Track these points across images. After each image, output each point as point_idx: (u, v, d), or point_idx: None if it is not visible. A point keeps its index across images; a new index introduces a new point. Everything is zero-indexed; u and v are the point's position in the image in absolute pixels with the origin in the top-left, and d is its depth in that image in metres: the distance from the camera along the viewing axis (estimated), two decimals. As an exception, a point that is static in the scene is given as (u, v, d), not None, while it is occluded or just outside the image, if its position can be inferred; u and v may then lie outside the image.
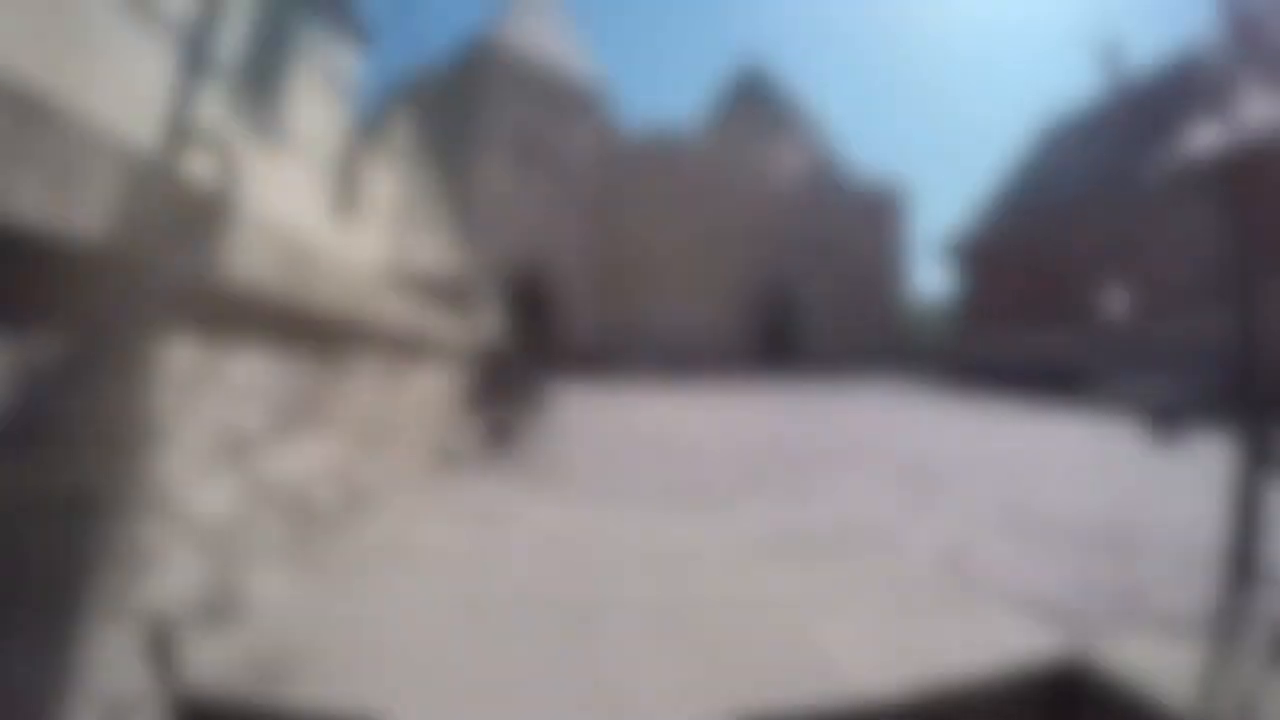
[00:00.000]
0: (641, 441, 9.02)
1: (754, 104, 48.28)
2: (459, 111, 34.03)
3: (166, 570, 2.00)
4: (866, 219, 43.60)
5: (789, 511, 5.21)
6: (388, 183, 4.27)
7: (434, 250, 7.19)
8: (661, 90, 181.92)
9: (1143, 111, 30.08)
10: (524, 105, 33.74)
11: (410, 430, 5.01)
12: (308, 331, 2.80)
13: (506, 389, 6.66)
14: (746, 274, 39.78)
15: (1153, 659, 2.75)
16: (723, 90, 50.92)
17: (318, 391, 3.06)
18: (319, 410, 3.11)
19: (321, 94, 7.39)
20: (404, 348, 4.37)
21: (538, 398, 9.12)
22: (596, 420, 11.16)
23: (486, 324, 12.24)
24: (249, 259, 2.03)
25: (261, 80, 6.51)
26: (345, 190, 9.08)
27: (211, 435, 2.21)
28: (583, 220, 35.58)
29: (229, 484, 2.35)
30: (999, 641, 2.84)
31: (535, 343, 35.39)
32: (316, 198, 7.14)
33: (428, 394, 5.59)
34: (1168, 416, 11.93)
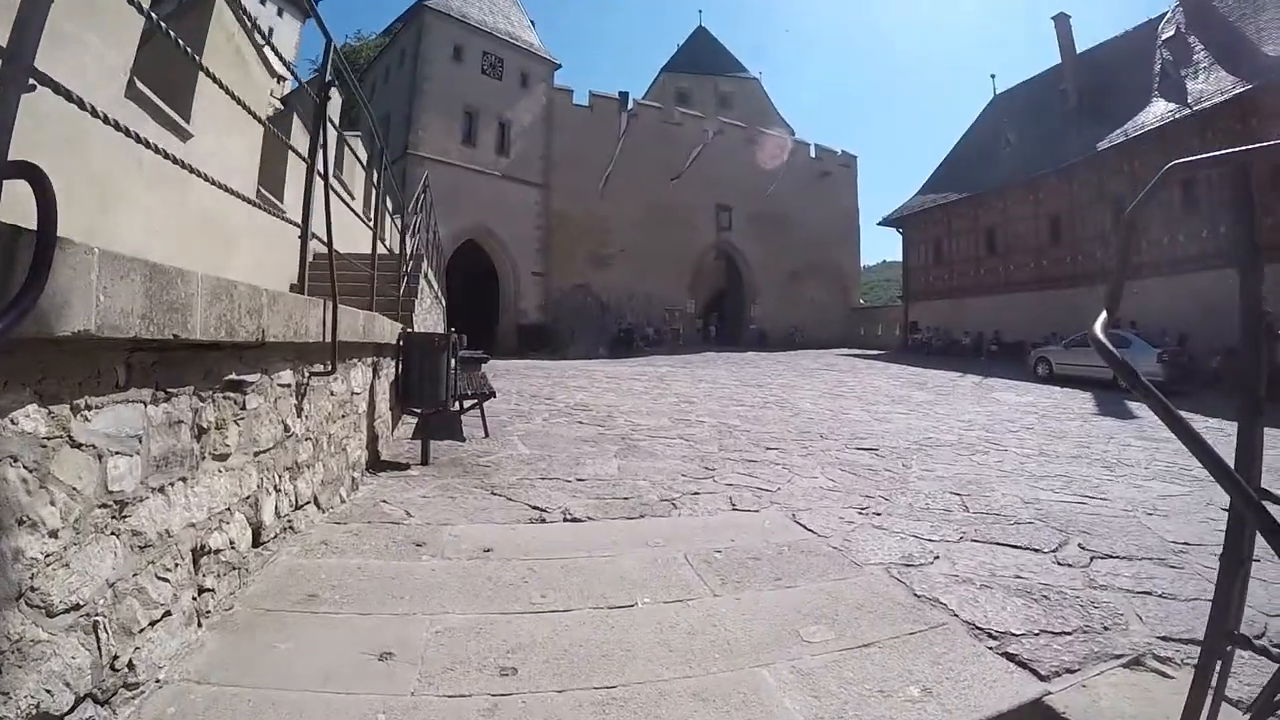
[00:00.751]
0: (588, 433, 8.86)
1: (701, 70, 48.06)
2: (399, 78, 33.27)
3: (45, 661, 1.76)
4: (822, 187, 43.66)
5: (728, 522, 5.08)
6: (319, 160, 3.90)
7: (372, 230, 6.78)
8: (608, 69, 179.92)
9: (1089, 86, 30.58)
10: (467, 71, 32.97)
11: (334, 441, 4.64)
12: (187, 361, 2.47)
13: (443, 379, 6.30)
14: (699, 243, 39.64)
15: (1124, 704, 2.61)
16: (673, 59, 50.63)
17: (211, 423, 2.72)
18: (214, 444, 2.77)
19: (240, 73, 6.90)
20: (321, 352, 4.00)
21: (479, 386, 8.80)
22: (543, 409, 10.99)
23: (427, 306, 11.87)
24: (90, 296, 1.72)
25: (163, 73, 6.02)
26: (270, 172, 8.60)
27: (80, 501, 1.91)
28: (531, 190, 34.90)
29: (109, 550, 2.05)
30: (962, 684, 2.67)
31: (480, 320, 35.07)
32: (240, 183, 6.67)
33: (355, 398, 5.22)
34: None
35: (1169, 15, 28.72)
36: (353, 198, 9.44)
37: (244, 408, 3.01)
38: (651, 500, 5.45)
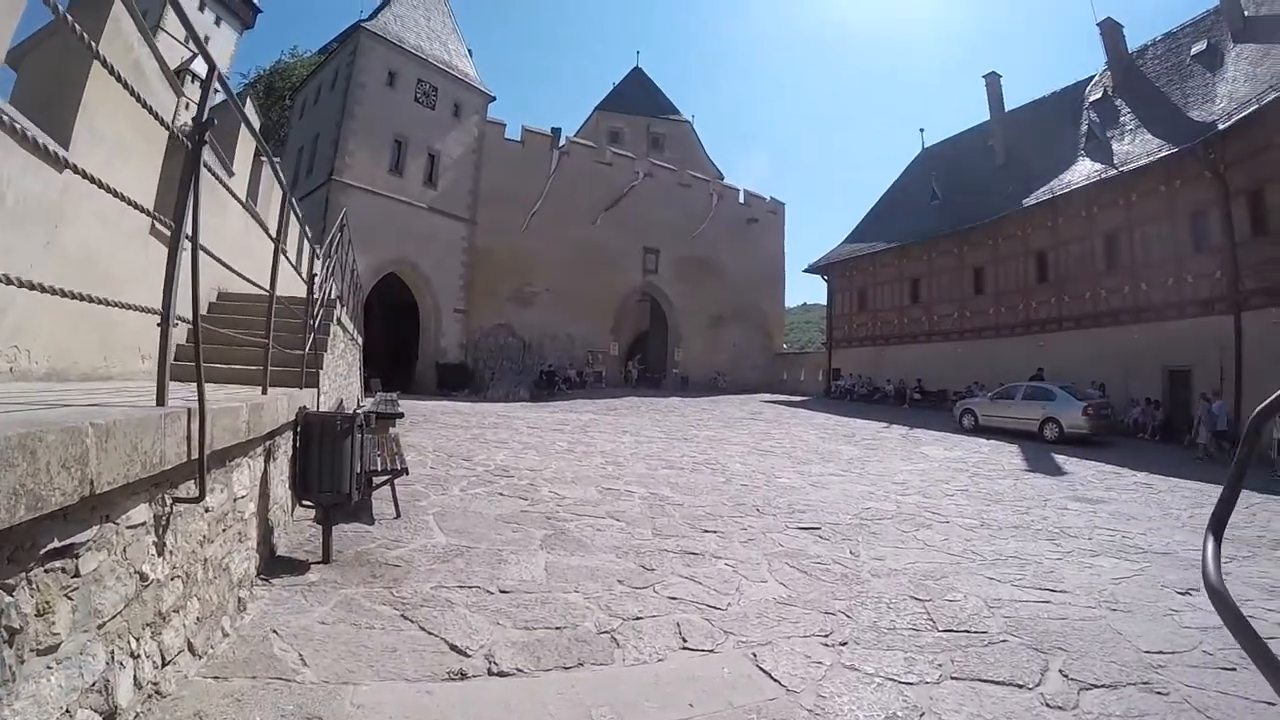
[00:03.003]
0: (510, 509, 8.04)
1: (635, 110, 48.21)
2: (331, 100, 32.29)
3: None
4: (749, 233, 43.94)
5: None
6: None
7: (277, 268, 5.89)
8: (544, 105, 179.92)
9: (1017, 144, 31.61)
10: (400, 98, 32.18)
11: (213, 565, 3.90)
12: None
13: (348, 466, 5.56)
14: (624, 285, 39.32)
15: None
16: (608, 98, 50.70)
17: (28, 615, 2.05)
18: (36, 638, 2.10)
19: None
20: (188, 470, 3.28)
21: (390, 453, 8.05)
22: (461, 474, 10.13)
23: (339, 352, 10.93)
24: None
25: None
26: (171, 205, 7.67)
27: None
28: (457, 224, 34.08)
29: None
30: None
31: (399, 357, 33.94)
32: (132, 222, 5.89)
33: (240, 502, 4.47)
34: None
35: (1097, 78, 29.93)
36: (270, 232, 8.60)
37: (77, 574, 2.33)
38: (588, 631, 4.59)
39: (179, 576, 3.31)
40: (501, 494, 8.84)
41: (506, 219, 35.01)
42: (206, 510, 3.67)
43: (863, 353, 37.44)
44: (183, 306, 3.18)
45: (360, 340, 17.65)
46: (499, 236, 34.90)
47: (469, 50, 36.92)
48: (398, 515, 7.24)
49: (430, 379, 32.30)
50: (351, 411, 6.22)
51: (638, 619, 4.91)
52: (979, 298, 30.89)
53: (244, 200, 6.31)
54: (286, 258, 7.45)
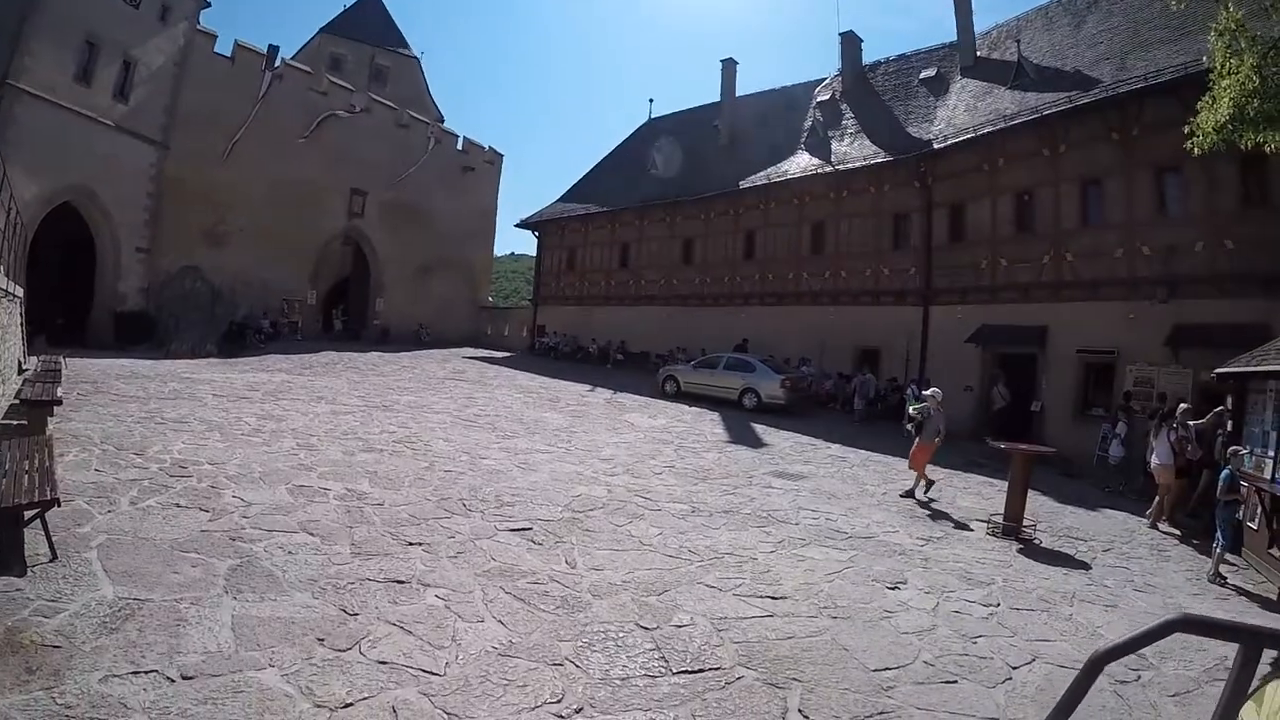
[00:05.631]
0: (189, 529, 6.17)
1: (362, 37, 44.18)
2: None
3: None
4: (464, 181, 41.91)
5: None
6: None
7: None
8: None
9: (742, 128, 32.87)
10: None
11: None
12: None
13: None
14: (328, 227, 35.82)
15: None
16: (335, 20, 45.94)
17: None
18: None
19: None
20: None
21: (40, 466, 5.93)
22: (132, 477, 7.62)
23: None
24: None
25: None
26: None
27: None
28: (147, 148, 28.61)
29: None
30: None
31: (74, 305, 28.00)
32: None
33: None
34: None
35: (828, 81, 31.38)
36: None
37: None
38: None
39: None
40: (178, 505, 6.86)
41: (205, 146, 29.84)
42: None
43: (569, 311, 37.23)
44: None
45: (20, 294, 14.09)
46: (194, 165, 29.66)
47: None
48: (54, 557, 5.19)
49: (107, 330, 26.85)
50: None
51: (347, 707, 3.81)
52: (687, 267, 31.68)
53: None
54: None
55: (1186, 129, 9.55)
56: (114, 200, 27.18)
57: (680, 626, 5.19)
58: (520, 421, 14.96)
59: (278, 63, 32.89)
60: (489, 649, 4.62)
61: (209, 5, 30.26)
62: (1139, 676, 5.37)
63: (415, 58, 47.34)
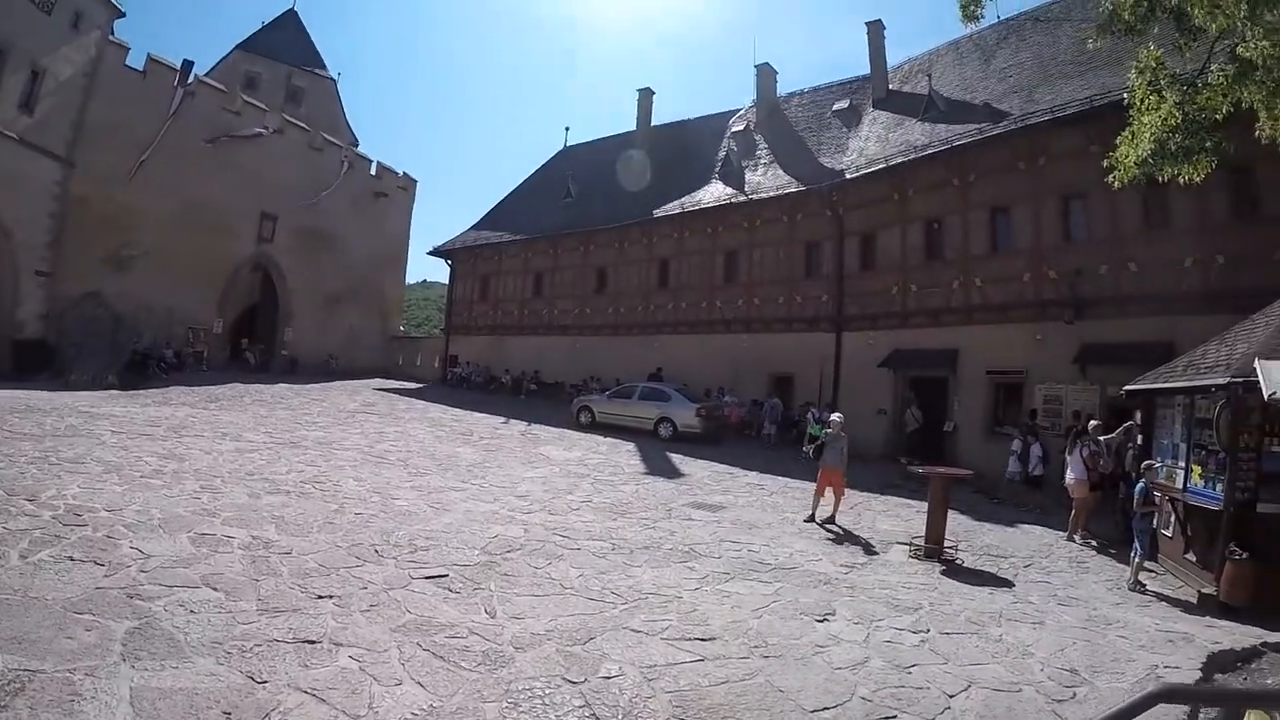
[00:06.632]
0: (84, 587, 5.55)
1: (279, 56, 42.91)
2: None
3: None
4: (377, 208, 40.93)
5: None
6: None
7: None
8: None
9: (658, 158, 32.94)
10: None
11: None
12: None
13: None
14: (236, 253, 34.32)
15: None
16: (253, 37, 44.51)
17: None
18: None
19: None
20: None
21: None
22: (23, 528, 6.79)
23: None
24: None
25: None
26: None
27: None
28: (51, 165, 26.71)
29: None
30: None
31: None
32: None
33: None
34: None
35: (742, 112, 31.91)
36: None
37: None
38: None
39: None
40: (72, 558, 6.14)
41: (112, 164, 28.13)
42: None
43: (482, 341, 36.59)
44: None
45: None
46: (100, 184, 27.92)
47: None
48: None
49: (5, 359, 24.91)
50: None
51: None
52: (601, 296, 31.54)
53: None
54: None
55: (1106, 162, 9.82)
56: (15, 219, 25.36)
57: (609, 678, 4.90)
58: (433, 457, 14.44)
59: (191, 79, 31.54)
60: (409, 716, 4.23)
61: (123, 15, 28.86)
62: (1074, 694, 5.39)
63: (332, 79, 46.33)
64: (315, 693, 4.36)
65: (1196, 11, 8.29)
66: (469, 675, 4.81)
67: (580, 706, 4.48)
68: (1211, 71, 8.91)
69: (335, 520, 8.61)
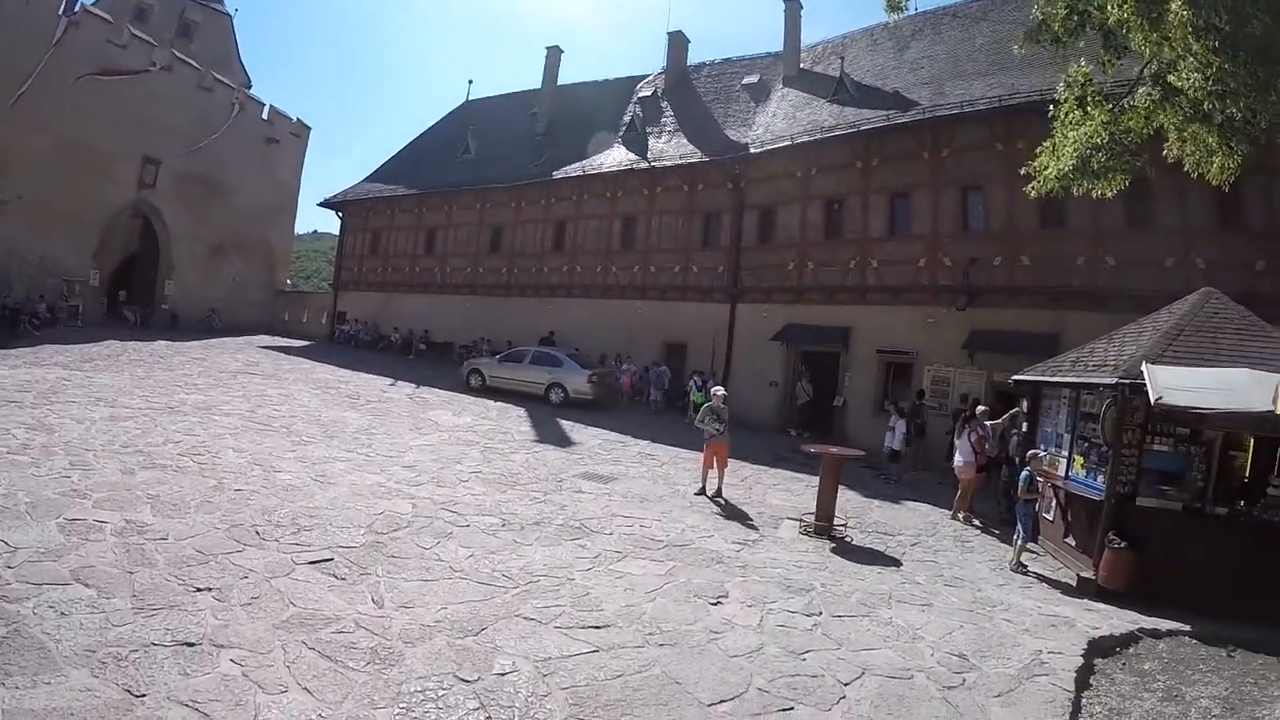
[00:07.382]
0: None
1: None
2: None
3: None
4: (267, 154, 38.73)
5: None
6: None
7: None
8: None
9: (561, 118, 32.41)
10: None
11: None
12: None
13: None
14: (115, 199, 31.89)
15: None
16: None
17: None
18: None
19: None
20: None
21: None
22: None
23: None
24: None
25: None
26: None
27: None
28: None
29: None
30: None
31: None
32: None
33: None
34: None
35: (651, 78, 31.33)
36: None
37: None
38: None
39: None
40: None
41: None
42: None
43: (371, 297, 35.47)
44: None
45: None
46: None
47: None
48: None
49: None
50: None
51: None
52: (494, 256, 30.90)
53: None
54: None
55: (1024, 170, 10.12)
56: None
57: (503, 675, 4.70)
58: (318, 423, 13.81)
59: (76, 7, 28.90)
60: (295, 728, 3.93)
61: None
62: (964, 680, 5.49)
63: (228, 14, 43.19)
64: (195, 705, 3.99)
65: (1137, 38, 8.38)
66: (358, 677, 4.51)
67: (475, 709, 4.28)
68: (1138, 95, 9.12)
69: (214, 498, 8.02)
